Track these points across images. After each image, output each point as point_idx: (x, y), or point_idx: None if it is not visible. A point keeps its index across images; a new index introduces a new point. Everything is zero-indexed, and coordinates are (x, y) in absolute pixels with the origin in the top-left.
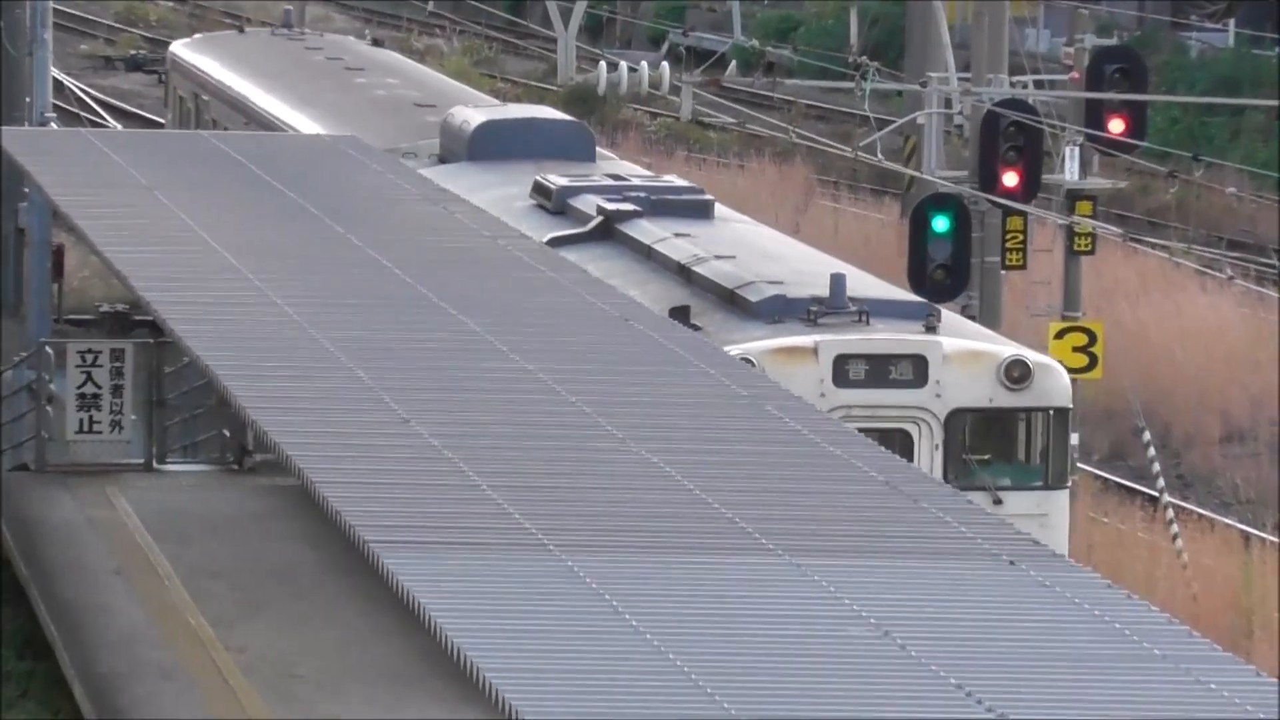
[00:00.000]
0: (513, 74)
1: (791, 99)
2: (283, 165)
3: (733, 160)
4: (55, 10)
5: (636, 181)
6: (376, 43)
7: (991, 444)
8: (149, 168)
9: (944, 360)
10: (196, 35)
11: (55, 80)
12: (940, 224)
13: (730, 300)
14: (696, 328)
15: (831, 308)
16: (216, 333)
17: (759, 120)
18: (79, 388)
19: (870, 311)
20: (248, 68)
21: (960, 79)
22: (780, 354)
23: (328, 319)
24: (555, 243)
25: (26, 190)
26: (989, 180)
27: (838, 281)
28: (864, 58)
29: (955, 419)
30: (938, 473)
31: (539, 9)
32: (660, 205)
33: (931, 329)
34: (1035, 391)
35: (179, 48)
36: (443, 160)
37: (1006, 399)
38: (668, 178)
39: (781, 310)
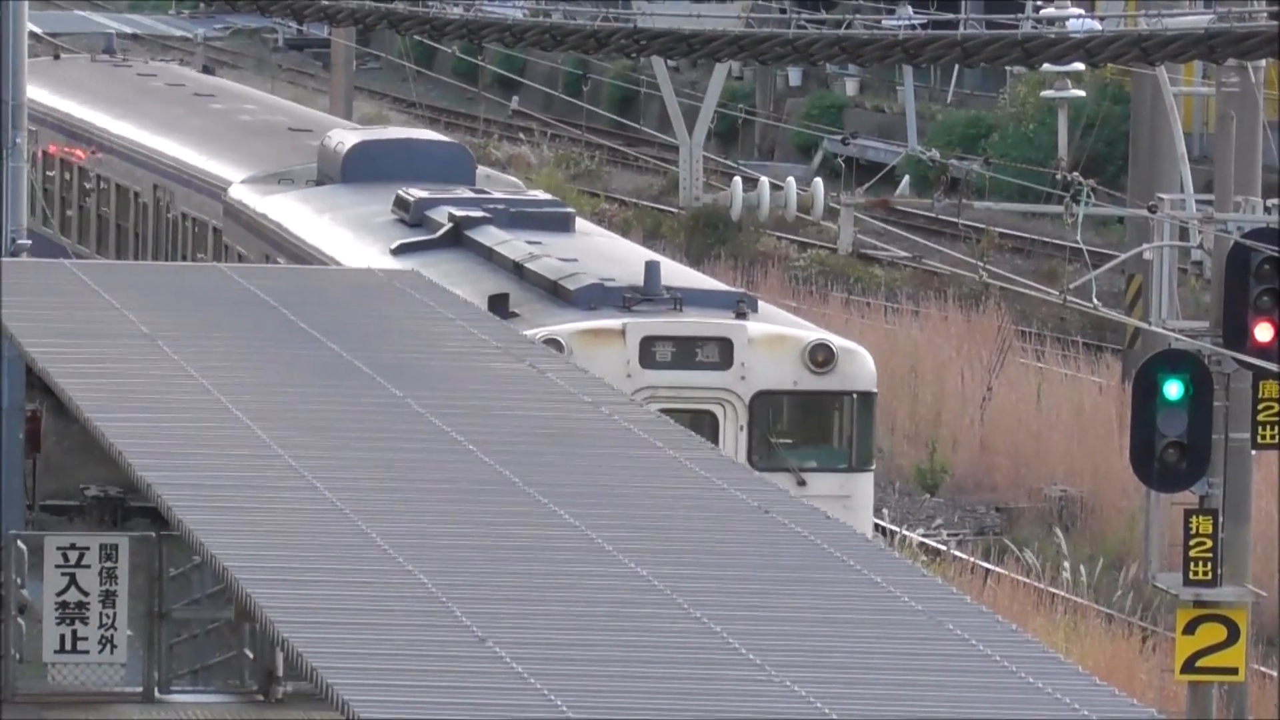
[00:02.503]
0: (621, 191)
1: (982, 226)
2: (322, 308)
3: (905, 304)
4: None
5: (498, 195)
6: (208, 70)
7: (796, 427)
8: (149, 309)
9: (749, 343)
10: None
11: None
12: (1173, 390)
13: (553, 291)
14: (514, 314)
15: (647, 295)
16: (237, 524)
17: (939, 253)
18: (59, 594)
19: (684, 299)
20: (84, 94)
21: (1200, 202)
22: (588, 335)
23: (380, 508)
24: (403, 249)
25: None
26: (1236, 333)
27: (652, 270)
28: (1075, 174)
29: (760, 401)
30: (742, 454)
31: (655, 109)
32: (517, 217)
33: (741, 315)
34: (840, 375)
35: None
36: (318, 184)
37: (811, 382)
38: (533, 192)
39: (598, 298)
